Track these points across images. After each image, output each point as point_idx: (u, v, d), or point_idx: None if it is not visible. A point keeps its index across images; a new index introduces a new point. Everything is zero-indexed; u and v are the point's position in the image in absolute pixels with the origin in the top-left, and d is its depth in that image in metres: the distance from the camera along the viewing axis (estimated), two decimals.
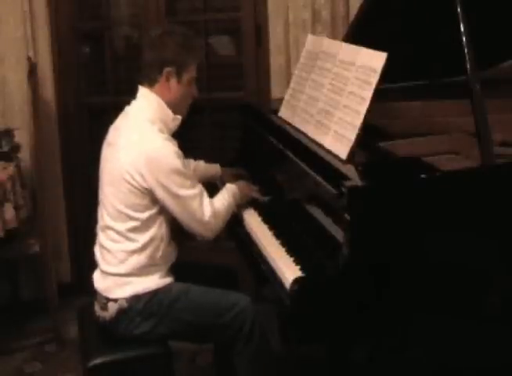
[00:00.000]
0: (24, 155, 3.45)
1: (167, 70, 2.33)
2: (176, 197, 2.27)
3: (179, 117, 2.41)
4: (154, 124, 2.30)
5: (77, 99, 3.75)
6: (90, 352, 2.35)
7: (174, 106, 2.39)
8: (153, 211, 2.31)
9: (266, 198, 2.58)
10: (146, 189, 2.26)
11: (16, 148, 3.41)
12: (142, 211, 2.30)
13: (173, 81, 2.36)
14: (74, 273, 3.78)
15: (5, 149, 3.36)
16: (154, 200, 2.29)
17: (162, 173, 2.24)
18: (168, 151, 2.26)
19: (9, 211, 3.15)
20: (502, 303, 2.08)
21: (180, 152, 2.31)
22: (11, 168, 3.26)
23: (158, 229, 2.34)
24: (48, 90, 3.60)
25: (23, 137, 3.44)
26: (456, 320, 2.08)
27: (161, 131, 2.30)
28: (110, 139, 2.41)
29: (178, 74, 2.35)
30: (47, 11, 3.54)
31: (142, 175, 2.24)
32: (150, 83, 2.37)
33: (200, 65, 2.44)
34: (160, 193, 2.27)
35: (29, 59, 3.43)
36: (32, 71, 3.36)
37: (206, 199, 2.35)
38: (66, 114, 3.72)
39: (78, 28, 3.74)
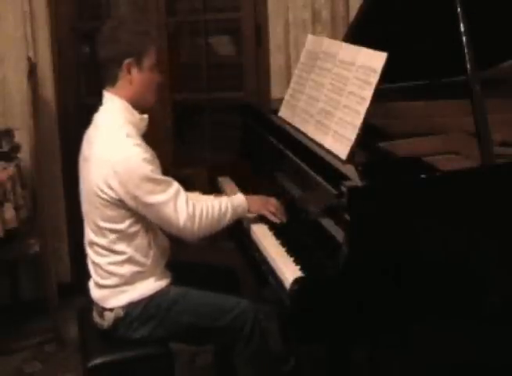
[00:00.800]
0: (24, 155, 3.44)
1: (126, 62, 2.25)
2: (148, 205, 2.21)
3: (146, 117, 2.34)
4: (122, 128, 2.23)
5: (77, 99, 3.75)
6: (90, 352, 2.35)
7: (140, 98, 2.31)
8: (133, 219, 2.26)
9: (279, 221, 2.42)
10: (119, 200, 2.22)
11: (16, 148, 3.40)
12: (121, 222, 2.26)
13: (134, 72, 2.27)
14: (74, 273, 3.78)
15: (5, 149, 3.36)
16: (130, 209, 2.24)
17: (131, 183, 2.18)
18: (135, 160, 2.18)
19: (9, 211, 3.15)
20: (502, 303, 2.08)
21: (149, 157, 2.22)
22: (11, 168, 3.26)
23: (144, 237, 2.30)
24: (48, 90, 3.60)
25: (23, 137, 3.44)
26: (456, 320, 2.08)
27: (129, 135, 2.22)
28: (84, 153, 2.37)
29: (138, 63, 2.27)
30: (47, 11, 3.54)
31: (111, 188, 2.20)
32: (113, 82, 2.30)
33: (159, 49, 2.35)
34: (132, 203, 2.22)
35: (29, 59, 3.43)
36: (32, 71, 3.36)
37: (181, 201, 2.24)
38: (66, 114, 3.72)
39: (78, 28, 3.74)
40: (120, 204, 2.23)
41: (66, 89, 3.71)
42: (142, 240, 2.30)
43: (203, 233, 2.33)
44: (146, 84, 2.32)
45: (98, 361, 2.29)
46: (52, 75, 3.60)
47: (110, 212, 2.25)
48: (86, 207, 2.35)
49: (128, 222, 2.26)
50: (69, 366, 3.15)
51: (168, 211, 2.23)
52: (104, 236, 2.29)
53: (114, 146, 2.21)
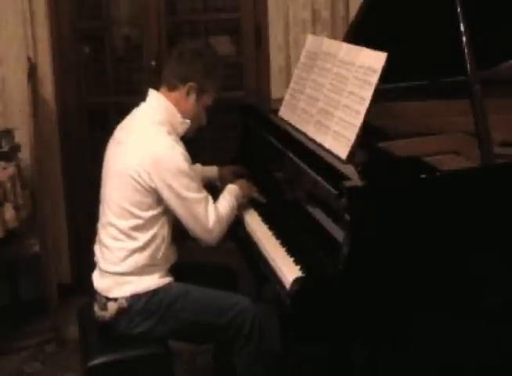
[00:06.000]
0: (24, 155, 3.45)
1: (190, 84, 2.38)
2: (182, 198, 2.28)
3: (188, 121, 2.42)
4: (163, 126, 2.33)
5: (77, 99, 3.75)
6: (90, 352, 2.35)
7: (186, 118, 2.42)
8: (157, 211, 2.32)
9: (264, 199, 2.59)
10: (152, 188, 2.27)
11: (16, 148, 3.41)
12: (146, 210, 2.31)
13: (192, 97, 2.40)
14: (74, 273, 3.78)
15: (5, 149, 3.36)
16: (159, 200, 2.30)
17: (169, 173, 2.25)
18: (176, 152, 2.28)
19: (9, 211, 3.15)
20: (502, 303, 2.08)
21: (187, 155, 2.32)
22: (11, 168, 3.26)
23: (160, 229, 2.34)
24: (48, 90, 3.60)
25: (23, 137, 3.44)
26: (456, 320, 2.08)
27: (169, 133, 2.32)
28: (118, 137, 2.42)
29: (199, 93, 2.40)
30: (47, 11, 3.54)
31: (149, 174, 2.26)
32: (170, 88, 2.40)
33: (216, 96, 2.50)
34: (166, 194, 2.27)
35: (29, 59, 3.43)
36: (32, 71, 3.36)
37: (211, 205, 2.35)
38: (66, 114, 3.72)
39: (78, 28, 3.73)
40: (151, 191, 2.28)
41: (66, 89, 3.71)
42: (157, 233, 2.34)
43: (222, 235, 2.42)
44: (194, 113, 2.44)
45: (98, 361, 2.30)
46: (52, 75, 3.60)
47: (139, 197, 2.29)
48: (110, 187, 2.38)
49: (150, 213, 2.31)
50: (69, 366, 3.15)
51: (200, 210, 2.31)
52: (125, 218, 2.32)
53: (156, 137, 2.30)
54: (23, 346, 3.37)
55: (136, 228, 2.32)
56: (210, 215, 2.34)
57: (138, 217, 2.31)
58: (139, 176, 2.27)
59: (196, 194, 2.31)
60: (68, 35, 3.68)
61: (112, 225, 2.36)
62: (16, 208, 3.21)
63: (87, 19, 3.84)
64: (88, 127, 3.80)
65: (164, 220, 2.35)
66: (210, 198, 2.37)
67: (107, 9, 3.79)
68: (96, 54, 3.94)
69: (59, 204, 3.73)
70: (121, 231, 2.34)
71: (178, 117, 2.40)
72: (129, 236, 2.33)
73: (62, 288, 3.57)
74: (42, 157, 3.44)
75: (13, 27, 3.51)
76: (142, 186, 2.28)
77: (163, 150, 2.27)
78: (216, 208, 2.37)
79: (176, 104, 2.40)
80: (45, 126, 3.56)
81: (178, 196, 2.28)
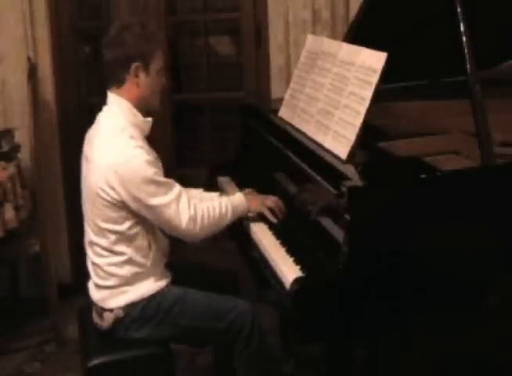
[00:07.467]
0: (24, 155, 3.45)
1: (134, 65, 2.25)
2: (149, 207, 2.22)
3: (150, 120, 2.35)
4: (125, 131, 2.24)
5: (77, 99, 3.75)
6: (90, 352, 2.35)
7: (146, 101, 2.32)
8: (134, 220, 2.26)
9: (276, 219, 2.43)
10: (121, 201, 2.22)
11: (16, 148, 3.41)
12: (122, 223, 2.26)
13: (142, 76, 2.27)
14: (74, 273, 3.78)
15: (5, 149, 3.36)
16: (132, 210, 2.24)
17: (133, 185, 2.18)
18: (138, 161, 2.18)
19: (9, 211, 3.15)
20: (502, 303, 2.08)
21: (152, 159, 2.23)
22: (11, 168, 3.26)
23: (144, 239, 2.30)
24: (48, 90, 3.60)
25: (23, 137, 3.44)
26: (457, 320, 2.08)
27: (132, 136, 2.24)
28: (86, 153, 2.37)
29: (146, 67, 2.27)
30: (47, 11, 3.54)
31: (113, 189, 2.20)
32: (118, 84, 2.30)
33: (165, 52, 2.35)
34: (134, 205, 2.22)
35: (29, 59, 3.43)
36: (32, 71, 3.36)
37: (183, 204, 2.25)
38: (66, 114, 3.72)
39: (78, 28, 3.74)
40: (121, 205, 2.23)
41: (66, 89, 3.71)
42: (142, 241, 2.30)
43: (205, 235, 2.34)
44: (152, 88, 2.32)
45: (98, 361, 2.29)
46: (52, 75, 3.60)
47: (111, 213, 2.25)
48: (87, 206, 2.35)
49: (128, 224, 2.27)
50: (69, 367, 3.15)
51: (170, 213, 2.24)
52: (104, 236, 2.29)
53: (117, 147, 2.22)
54: (23, 346, 3.37)
55: (118, 242, 2.27)
56: (183, 215, 2.25)
57: (116, 232, 2.26)
58: (105, 193, 2.21)
59: (164, 198, 2.22)
60: (68, 35, 3.69)
61: (94, 243, 2.32)
62: (16, 208, 3.21)
63: (87, 19, 3.85)
64: (88, 127, 3.78)
65: (144, 227, 2.29)
66: (182, 196, 2.26)
67: (107, 9, 3.80)
68: (96, 54, 3.94)
69: (59, 204, 3.73)
70: (105, 248, 2.30)
71: (140, 117, 2.31)
72: (114, 252, 2.29)
73: (62, 288, 3.57)
74: (42, 157, 3.44)
75: (13, 27, 3.51)
76: (111, 202, 2.22)
77: (124, 163, 2.18)
78: (192, 208, 2.27)
79: (131, 98, 2.29)
80: (45, 126, 3.56)
81: (146, 205, 2.21)
